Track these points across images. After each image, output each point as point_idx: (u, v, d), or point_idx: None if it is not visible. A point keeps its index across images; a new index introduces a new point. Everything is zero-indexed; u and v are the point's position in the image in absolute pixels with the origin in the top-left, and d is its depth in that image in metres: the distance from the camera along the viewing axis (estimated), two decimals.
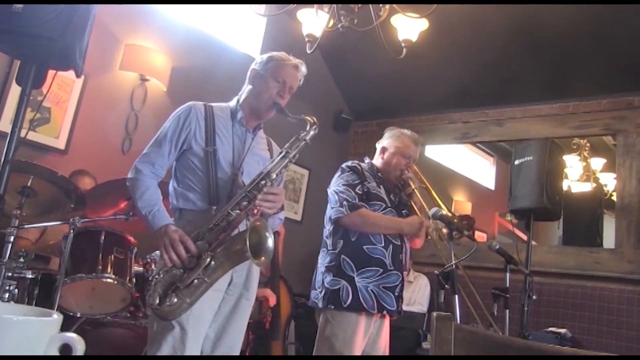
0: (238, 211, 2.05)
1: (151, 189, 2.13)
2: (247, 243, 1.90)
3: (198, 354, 2.08)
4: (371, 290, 2.73)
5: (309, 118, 2.24)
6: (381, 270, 2.77)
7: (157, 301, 1.94)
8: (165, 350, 2.00)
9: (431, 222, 2.85)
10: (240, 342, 2.26)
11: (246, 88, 2.36)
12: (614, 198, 4.83)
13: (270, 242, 2.00)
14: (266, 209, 2.11)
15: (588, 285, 4.42)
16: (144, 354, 2.69)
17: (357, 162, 3.01)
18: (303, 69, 2.35)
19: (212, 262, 1.96)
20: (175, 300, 1.93)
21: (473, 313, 2.78)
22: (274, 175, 2.11)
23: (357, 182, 2.86)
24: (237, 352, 2.24)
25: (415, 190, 2.92)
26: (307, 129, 2.22)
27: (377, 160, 3.06)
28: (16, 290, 2.53)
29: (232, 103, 2.36)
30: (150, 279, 2.05)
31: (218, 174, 2.17)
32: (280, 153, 2.18)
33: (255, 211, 2.08)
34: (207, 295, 2.01)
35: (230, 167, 2.21)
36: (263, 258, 1.99)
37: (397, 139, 3.03)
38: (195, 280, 1.94)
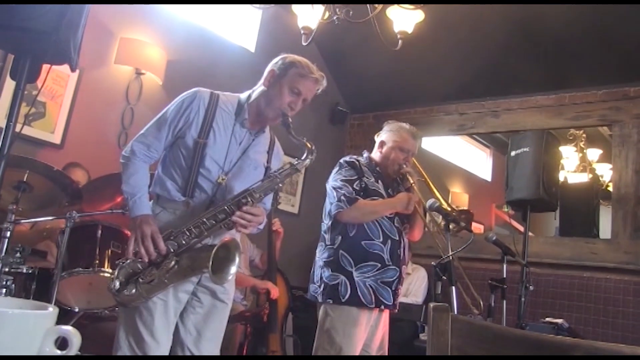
0: (213, 222, 2.02)
1: (140, 172, 2.10)
2: (211, 260, 1.89)
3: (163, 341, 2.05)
4: (369, 285, 2.73)
5: (308, 144, 2.14)
6: (379, 265, 2.77)
7: (118, 287, 1.96)
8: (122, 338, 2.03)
9: (427, 213, 2.86)
10: (219, 342, 2.22)
11: (259, 88, 2.24)
12: (610, 189, 4.84)
13: (233, 268, 1.98)
14: (241, 227, 2.05)
15: (584, 275, 4.44)
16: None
17: (355, 157, 3.01)
18: (324, 82, 2.28)
19: (176, 266, 1.97)
20: (134, 291, 1.95)
21: (469, 304, 2.79)
22: (257, 196, 2.06)
23: (354, 177, 2.86)
24: (218, 345, 2.21)
25: (414, 185, 2.91)
26: (304, 157, 2.14)
27: (376, 154, 3.06)
28: (13, 286, 2.53)
29: (243, 97, 2.26)
30: (117, 263, 2.04)
31: (201, 169, 2.11)
32: (270, 176, 2.13)
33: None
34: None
35: (217, 167, 2.14)
36: (222, 277, 1.96)
37: (395, 133, 3.03)
38: (156, 279, 1.96)
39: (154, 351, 1.99)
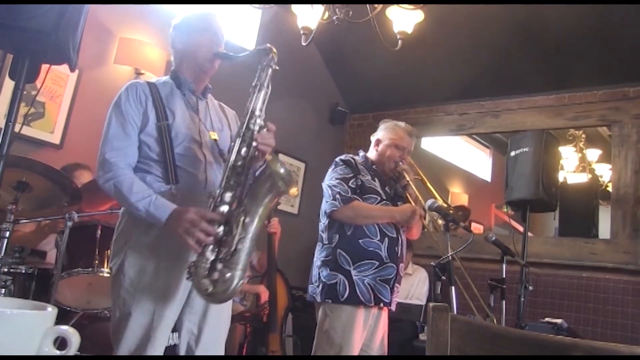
0: (241, 162, 1.92)
1: (136, 180, 1.93)
2: (277, 176, 1.82)
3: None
4: (368, 283, 2.74)
5: (260, 47, 2.08)
6: (377, 263, 2.77)
7: (211, 287, 1.79)
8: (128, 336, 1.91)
9: (427, 213, 2.86)
10: (224, 332, 2.16)
11: (177, 54, 2.21)
12: (610, 189, 4.84)
13: (285, 171, 1.87)
14: (266, 148, 1.95)
15: (584, 275, 4.44)
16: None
17: (350, 155, 3.02)
18: (218, 17, 2.25)
19: (245, 217, 1.82)
20: (228, 274, 1.79)
21: (470, 304, 2.79)
22: (258, 112, 1.98)
23: (350, 175, 2.86)
24: (221, 344, 2.14)
25: (410, 182, 2.92)
26: (267, 56, 2.05)
27: (372, 153, 3.06)
28: (12, 286, 2.53)
29: (171, 74, 2.21)
30: (188, 274, 1.85)
31: (176, 150, 2.00)
32: (255, 87, 2.02)
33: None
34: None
35: (192, 141, 2.04)
36: (294, 188, 1.90)
37: (391, 130, 3.04)
38: (238, 244, 1.81)
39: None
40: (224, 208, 1.87)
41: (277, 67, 2.06)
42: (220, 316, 2.11)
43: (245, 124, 1.95)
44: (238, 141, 1.94)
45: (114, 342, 1.96)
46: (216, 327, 2.10)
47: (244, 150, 1.93)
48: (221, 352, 2.13)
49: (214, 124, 2.19)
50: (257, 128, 1.95)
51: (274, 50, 2.06)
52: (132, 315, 1.92)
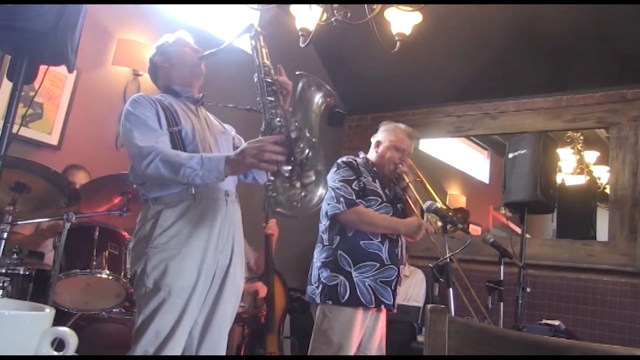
0: (272, 97, 2.02)
1: (177, 150, 2.00)
2: (319, 81, 1.96)
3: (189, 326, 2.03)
4: (368, 285, 2.74)
5: (242, 30, 2.18)
6: (378, 265, 2.78)
7: (302, 192, 1.85)
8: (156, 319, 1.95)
9: (425, 215, 2.86)
10: (228, 327, 2.20)
11: (164, 73, 2.31)
12: (608, 191, 4.85)
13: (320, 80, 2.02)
14: (287, 82, 2.09)
15: (582, 277, 4.45)
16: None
17: (352, 157, 3.02)
18: (187, 33, 2.39)
19: (305, 125, 1.91)
20: (311, 173, 1.86)
21: (468, 306, 2.79)
22: (266, 66, 2.08)
23: (353, 177, 2.86)
24: (225, 337, 2.19)
25: (410, 184, 2.93)
26: (252, 30, 2.16)
27: (372, 154, 3.07)
28: (10, 287, 2.52)
29: (163, 90, 2.31)
30: (268, 196, 1.89)
31: (188, 147, 2.09)
32: (253, 49, 2.14)
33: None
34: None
35: (201, 140, 2.14)
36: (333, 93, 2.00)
37: (391, 132, 3.04)
38: (308, 150, 1.87)
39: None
40: (276, 131, 1.94)
41: (264, 32, 2.17)
42: (226, 313, 2.16)
43: (261, 78, 2.04)
44: (262, 85, 2.03)
45: (135, 342, 1.98)
46: (223, 322, 2.15)
47: (269, 88, 2.02)
48: (224, 346, 2.19)
49: (214, 127, 2.30)
50: (270, 79, 2.05)
51: (255, 26, 2.16)
52: (158, 313, 1.95)
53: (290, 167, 1.87)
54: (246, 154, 1.85)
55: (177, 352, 1.99)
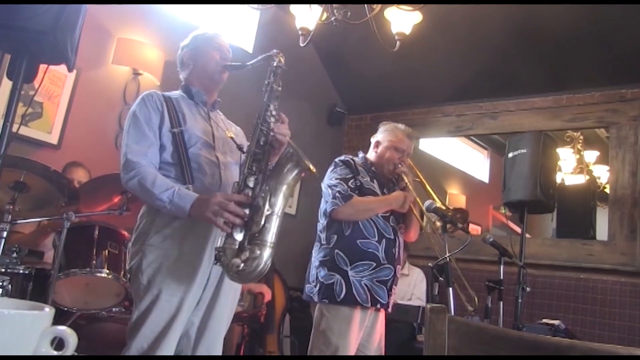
0: (260, 151, 2.03)
1: (158, 174, 2.02)
2: (299, 154, 1.95)
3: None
4: (365, 284, 2.74)
5: (269, 53, 2.18)
6: (374, 264, 2.77)
7: (240, 263, 1.86)
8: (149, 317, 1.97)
9: (425, 214, 2.86)
10: (225, 327, 2.21)
11: (187, 71, 2.33)
12: (607, 190, 4.85)
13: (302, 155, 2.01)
14: (283, 138, 2.08)
15: (581, 277, 4.45)
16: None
17: (350, 156, 3.02)
18: (224, 36, 2.37)
19: (272, 196, 1.93)
20: (258, 250, 1.87)
21: (464, 301, 2.80)
22: (272, 107, 2.10)
23: (349, 176, 2.87)
24: (221, 338, 2.20)
25: (409, 184, 2.93)
26: (275, 59, 2.16)
27: (371, 154, 3.07)
28: (10, 286, 2.52)
29: (182, 89, 2.32)
30: (216, 259, 1.92)
31: (191, 151, 2.11)
32: (267, 86, 2.14)
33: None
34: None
35: (204, 144, 2.15)
36: (312, 166, 1.99)
37: (390, 132, 3.04)
38: (266, 221, 1.90)
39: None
40: (248, 191, 1.97)
41: (285, 68, 2.17)
42: (223, 315, 2.17)
43: (262, 117, 2.07)
44: (257, 132, 2.05)
45: (130, 338, 2.00)
46: (220, 323, 2.16)
47: (262, 139, 2.05)
48: (220, 347, 2.19)
49: (224, 133, 2.30)
50: (272, 120, 2.07)
51: (281, 54, 2.17)
52: (152, 311, 1.97)
53: (242, 235, 1.91)
54: (208, 206, 1.90)
55: (171, 350, 2.00)
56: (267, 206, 1.91)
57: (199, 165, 2.11)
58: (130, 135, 2.08)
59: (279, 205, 1.95)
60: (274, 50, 2.17)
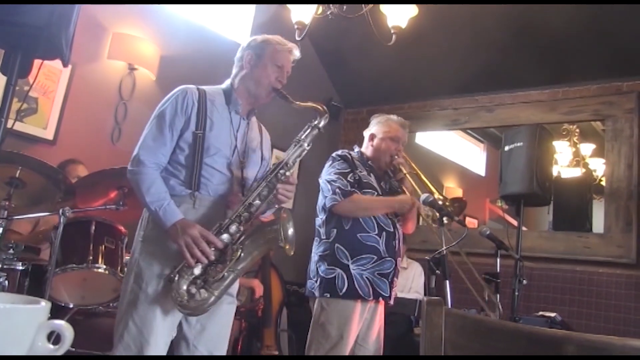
0: (259, 202, 2.06)
1: (157, 182, 2.05)
2: (282, 234, 1.98)
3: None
4: (366, 277, 2.75)
5: (318, 107, 2.23)
6: (375, 257, 2.78)
7: (186, 298, 1.91)
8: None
9: (423, 208, 2.87)
10: (227, 329, 2.21)
11: (241, 72, 2.28)
12: (603, 183, 4.86)
13: (292, 232, 2.06)
14: (284, 199, 2.12)
15: (577, 269, 4.46)
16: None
17: (347, 151, 3.02)
18: (297, 52, 2.32)
19: (242, 254, 1.97)
20: (206, 295, 1.92)
21: (484, 307, 2.81)
22: (290, 165, 2.12)
23: (348, 170, 2.87)
24: (225, 340, 2.19)
25: (407, 175, 2.94)
26: (318, 117, 2.22)
27: (367, 148, 3.07)
28: (6, 282, 2.52)
29: (225, 86, 2.29)
30: (170, 276, 1.96)
31: (206, 159, 2.10)
32: (297, 141, 2.17)
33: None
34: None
35: (223, 156, 2.14)
36: (289, 246, 2.03)
37: (384, 124, 3.05)
38: (225, 273, 1.95)
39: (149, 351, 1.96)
40: (226, 237, 2.00)
41: (322, 131, 2.23)
42: (222, 317, 2.16)
43: (275, 171, 2.10)
44: (263, 184, 2.08)
45: (117, 331, 2.01)
46: (220, 325, 2.16)
47: (264, 192, 2.08)
48: (223, 348, 2.19)
49: (250, 144, 2.28)
50: (283, 178, 2.10)
51: (327, 115, 2.23)
52: (138, 303, 1.98)
53: (199, 271, 1.96)
54: (183, 235, 1.94)
55: (161, 347, 1.99)
56: (232, 262, 1.97)
57: (209, 176, 2.11)
58: (151, 130, 2.11)
59: (242, 266, 2.00)
60: (325, 109, 2.22)
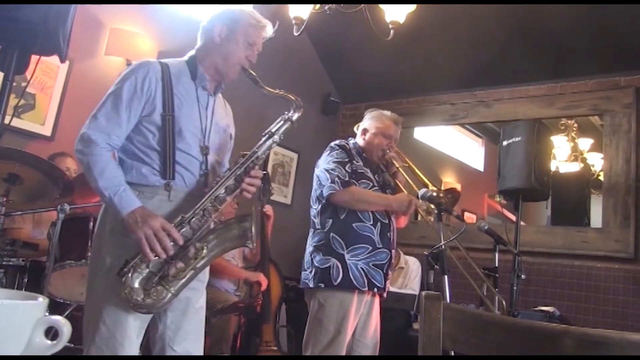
0: (224, 193, 1.92)
1: (111, 164, 1.86)
2: (252, 230, 1.88)
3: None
4: (361, 268, 2.75)
5: (291, 97, 2.07)
6: (370, 247, 2.79)
7: (141, 296, 1.76)
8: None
9: (421, 202, 2.87)
10: (201, 342, 2.06)
11: (208, 44, 2.10)
12: (601, 178, 4.86)
13: (255, 230, 1.94)
14: (247, 194, 1.98)
15: (576, 264, 4.47)
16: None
17: (344, 141, 3.04)
18: (270, 30, 2.16)
19: (205, 250, 1.85)
20: (163, 293, 1.78)
21: (488, 305, 2.81)
22: (260, 157, 1.99)
23: (346, 160, 2.88)
24: (200, 337, 2.05)
25: (400, 169, 2.95)
26: (292, 110, 2.06)
27: (359, 142, 3.08)
28: (4, 279, 2.52)
29: (188, 59, 2.11)
30: (122, 270, 1.78)
31: (178, 145, 1.94)
32: (268, 134, 2.02)
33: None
34: None
35: (196, 139, 1.99)
36: (254, 244, 1.94)
37: (377, 119, 3.05)
38: (187, 272, 1.82)
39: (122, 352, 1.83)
40: (188, 232, 1.86)
41: (295, 124, 2.07)
42: (200, 310, 2.06)
43: (244, 164, 1.96)
44: (230, 176, 1.94)
45: (87, 331, 1.86)
46: (196, 320, 2.03)
47: (232, 185, 1.94)
48: (201, 347, 2.06)
49: (219, 123, 2.13)
50: (250, 172, 1.97)
51: (301, 106, 2.07)
52: (107, 293, 1.82)
53: (157, 269, 1.81)
54: (143, 225, 1.78)
55: (134, 349, 1.86)
56: (194, 261, 1.83)
57: (185, 163, 1.97)
58: (105, 107, 1.94)
59: (203, 264, 1.87)
60: (299, 100, 2.07)
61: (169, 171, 1.93)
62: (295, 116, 2.07)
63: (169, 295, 1.80)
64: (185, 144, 1.96)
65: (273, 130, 2.04)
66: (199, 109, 2.04)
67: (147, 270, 1.80)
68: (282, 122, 2.06)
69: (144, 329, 1.91)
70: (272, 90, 2.07)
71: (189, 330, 1.99)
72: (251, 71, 2.08)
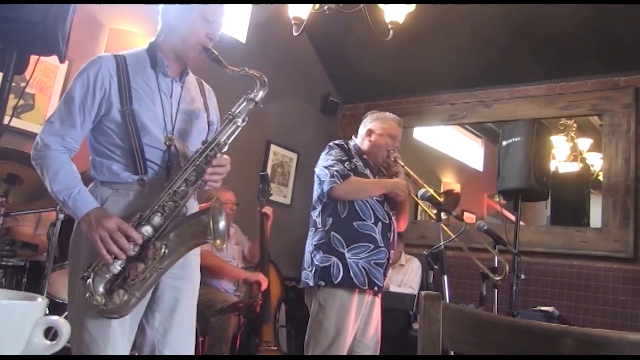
0: (185, 188, 1.81)
1: (65, 166, 1.80)
2: (211, 227, 1.75)
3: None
4: (362, 266, 2.76)
5: (255, 74, 1.94)
6: (372, 246, 2.80)
7: (103, 300, 1.68)
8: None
9: (421, 202, 2.89)
10: (192, 343, 1.99)
11: (165, 27, 2.00)
12: (601, 178, 4.87)
13: (223, 225, 1.79)
14: (214, 183, 1.87)
15: (575, 264, 4.48)
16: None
17: (343, 141, 3.06)
18: (224, 12, 2.07)
19: (165, 250, 1.74)
20: (126, 296, 1.70)
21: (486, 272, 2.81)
22: (223, 144, 1.87)
23: (345, 158, 2.91)
24: (191, 338, 1.99)
25: (405, 167, 2.98)
26: (256, 89, 1.93)
27: (364, 143, 3.09)
28: (4, 279, 2.52)
29: (148, 46, 2.01)
30: (83, 275, 1.71)
31: (143, 139, 1.85)
32: (227, 118, 1.89)
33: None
34: None
35: (159, 129, 1.89)
36: (219, 241, 1.79)
37: (382, 121, 3.09)
38: (148, 273, 1.72)
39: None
40: (148, 230, 1.77)
41: (261, 105, 1.93)
42: (189, 311, 1.98)
43: (204, 153, 1.84)
44: (190, 168, 1.83)
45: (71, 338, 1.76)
46: (185, 321, 1.96)
47: (192, 177, 1.83)
48: (192, 347, 2.00)
49: (189, 108, 2.02)
50: (212, 160, 1.85)
51: (266, 83, 1.94)
52: (90, 308, 1.73)
53: (118, 272, 1.73)
54: (98, 227, 1.71)
55: (117, 343, 1.79)
56: (156, 261, 1.73)
57: (154, 159, 1.89)
58: (59, 110, 1.86)
59: (166, 264, 1.76)
60: (263, 77, 1.94)
61: (140, 166, 1.86)
62: (260, 95, 1.93)
63: (133, 299, 1.72)
64: (151, 138, 1.88)
65: (235, 112, 1.90)
66: (161, 98, 1.94)
67: (110, 273, 1.72)
68: (244, 102, 1.92)
69: (134, 331, 1.86)
70: (235, 68, 1.94)
71: (178, 333, 1.92)
72: (213, 50, 1.97)
